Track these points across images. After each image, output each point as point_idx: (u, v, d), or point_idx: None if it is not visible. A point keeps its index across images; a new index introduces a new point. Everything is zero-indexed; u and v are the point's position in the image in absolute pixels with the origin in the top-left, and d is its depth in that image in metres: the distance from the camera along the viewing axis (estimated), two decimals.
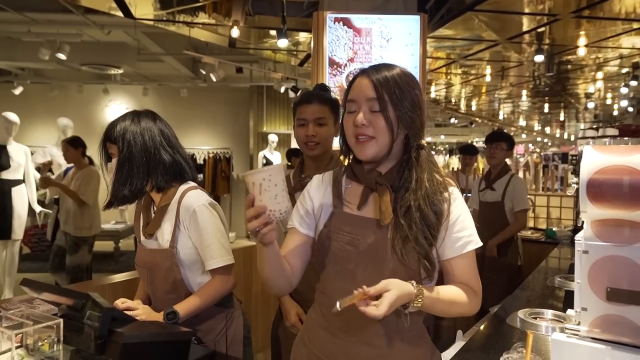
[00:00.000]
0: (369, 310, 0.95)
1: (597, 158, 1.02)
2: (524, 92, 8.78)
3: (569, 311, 1.24)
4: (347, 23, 3.20)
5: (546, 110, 10.69)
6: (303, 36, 5.24)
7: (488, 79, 7.28)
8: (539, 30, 4.73)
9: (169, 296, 1.52)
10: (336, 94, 3.16)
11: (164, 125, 1.58)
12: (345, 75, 3.22)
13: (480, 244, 1.16)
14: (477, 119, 12.33)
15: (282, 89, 7.10)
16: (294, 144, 9.01)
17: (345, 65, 3.22)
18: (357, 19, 3.19)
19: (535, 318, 1.20)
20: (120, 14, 4.26)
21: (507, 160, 3.55)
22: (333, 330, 1.15)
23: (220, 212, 1.57)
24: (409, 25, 3.20)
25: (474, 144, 12.48)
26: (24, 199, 4.53)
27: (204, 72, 6.75)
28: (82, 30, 5.07)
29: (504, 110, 11.60)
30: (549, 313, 1.19)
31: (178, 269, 1.51)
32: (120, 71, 6.50)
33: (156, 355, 1.08)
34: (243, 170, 8.43)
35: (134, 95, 8.38)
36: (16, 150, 4.48)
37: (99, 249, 6.39)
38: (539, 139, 18.18)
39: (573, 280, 1.70)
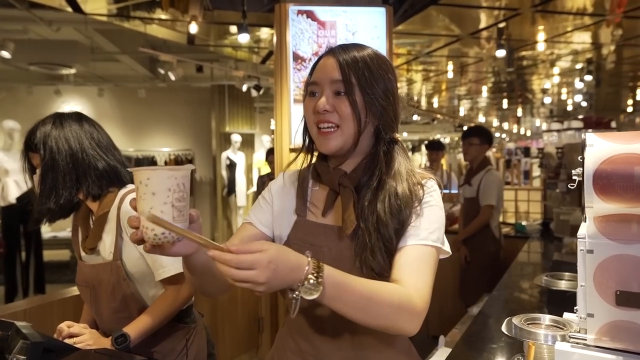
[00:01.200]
0: (223, 268, 0.71)
1: (604, 146, 0.90)
2: (484, 89, 8.88)
3: (567, 315, 1.13)
4: (310, 15, 3.05)
5: (505, 106, 10.88)
6: (265, 32, 5.05)
7: (450, 75, 7.29)
8: (500, 25, 4.72)
9: (118, 315, 1.33)
10: (301, 89, 3.01)
11: (92, 127, 1.39)
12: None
13: (439, 245, 0.95)
14: (438, 116, 12.44)
15: (245, 88, 6.88)
16: (257, 144, 8.79)
17: (310, 59, 3.08)
18: (321, 11, 3.05)
19: (530, 324, 1.08)
20: (69, 9, 3.95)
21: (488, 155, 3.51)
22: (304, 355, 0.99)
23: None
24: (374, 18, 3.08)
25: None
26: None
27: (162, 72, 6.45)
28: (28, 26, 4.71)
29: (464, 107, 11.74)
30: (546, 318, 1.08)
31: (126, 282, 1.31)
32: (73, 71, 6.14)
33: None
34: (206, 172, 8.15)
35: (88, 97, 7.96)
36: None
37: (54, 258, 6.02)
38: (497, 134, 18.60)
39: (560, 279, 1.61)
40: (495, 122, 15.42)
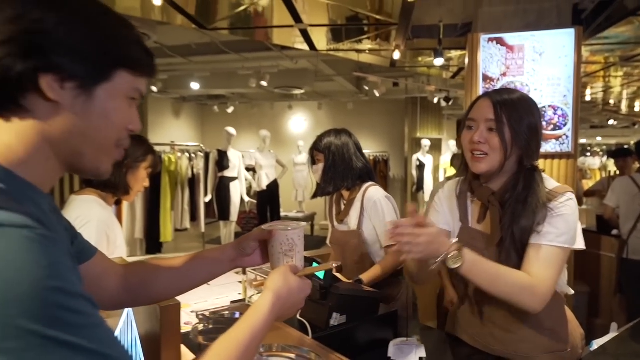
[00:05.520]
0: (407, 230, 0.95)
1: None
2: None
3: None
4: (500, 42, 3.17)
5: None
6: (455, 53, 5.22)
7: None
8: None
9: (357, 266, 1.79)
10: None
11: (355, 139, 1.85)
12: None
13: (566, 246, 1.07)
14: None
15: (435, 100, 7.10)
16: (444, 148, 8.90)
17: (498, 79, 3.19)
18: (510, 37, 3.14)
19: None
20: (306, 47, 4.81)
21: None
22: (475, 314, 1.26)
23: (393, 203, 1.79)
24: (562, 39, 3.04)
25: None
26: (237, 191, 5.41)
27: (367, 88, 7.12)
28: (278, 62, 5.81)
29: None
30: None
31: (364, 245, 1.77)
32: (302, 91, 7.18)
33: (359, 305, 1.35)
34: (399, 171, 8.62)
35: (310, 110, 9.17)
36: (233, 155, 5.37)
37: None
38: None
39: None
40: None
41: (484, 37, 3.19)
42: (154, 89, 6.20)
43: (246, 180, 5.74)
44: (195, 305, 1.68)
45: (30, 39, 0.52)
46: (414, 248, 0.97)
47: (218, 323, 0.97)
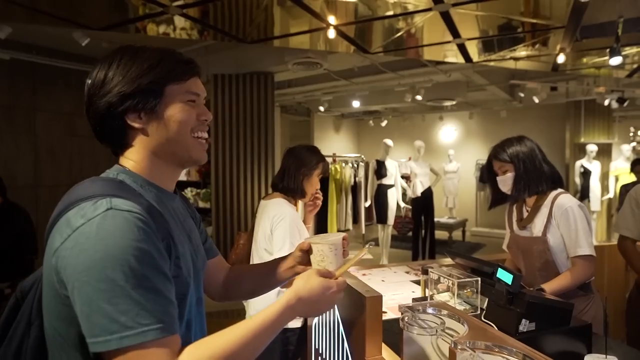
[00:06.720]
0: None
1: None
2: None
3: None
4: None
5: None
6: (629, 49, 4.35)
7: None
8: None
9: (540, 273, 1.64)
10: None
11: (537, 143, 1.67)
12: None
13: None
14: None
15: (606, 102, 6.02)
16: (615, 153, 7.45)
17: None
18: None
19: None
20: (462, 60, 4.60)
21: None
22: None
23: (586, 213, 1.58)
24: None
25: None
26: (394, 197, 5.45)
27: (521, 95, 6.44)
28: (431, 77, 5.70)
29: None
30: None
31: (549, 252, 1.60)
32: (454, 102, 6.89)
33: (549, 315, 1.24)
34: None
35: (461, 119, 8.71)
36: (390, 164, 5.44)
37: (437, 237, 6.99)
38: None
39: None
40: None
41: None
42: (321, 108, 6.68)
43: (402, 187, 5.73)
44: None
45: (116, 99, 0.73)
46: None
47: (416, 315, 1.02)
